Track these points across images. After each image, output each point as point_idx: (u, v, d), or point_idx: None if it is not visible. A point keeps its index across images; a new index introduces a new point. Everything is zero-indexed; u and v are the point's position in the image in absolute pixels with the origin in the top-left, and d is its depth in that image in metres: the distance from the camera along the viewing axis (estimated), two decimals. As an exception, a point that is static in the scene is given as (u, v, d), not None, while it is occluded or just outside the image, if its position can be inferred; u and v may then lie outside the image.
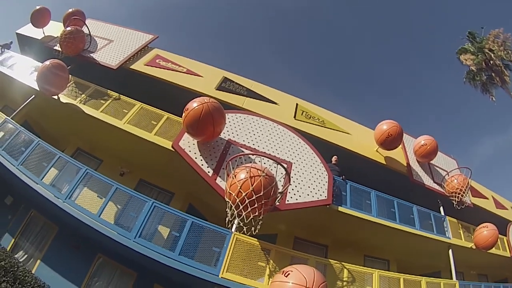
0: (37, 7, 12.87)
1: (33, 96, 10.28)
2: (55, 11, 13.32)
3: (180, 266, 6.87)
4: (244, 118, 9.62)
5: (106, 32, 12.97)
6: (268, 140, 9.34)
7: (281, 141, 9.47)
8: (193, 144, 8.32)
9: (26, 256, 8.51)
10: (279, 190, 7.16)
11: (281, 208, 7.82)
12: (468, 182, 11.79)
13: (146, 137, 9.19)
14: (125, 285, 8.31)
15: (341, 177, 10.06)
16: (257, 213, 6.56)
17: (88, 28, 12.03)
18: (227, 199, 6.83)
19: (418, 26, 52.40)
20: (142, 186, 10.28)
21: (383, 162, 12.03)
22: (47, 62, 9.65)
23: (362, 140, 12.22)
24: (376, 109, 55.68)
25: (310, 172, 9.05)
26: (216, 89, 11.62)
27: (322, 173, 9.18)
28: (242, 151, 8.47)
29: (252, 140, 9.10)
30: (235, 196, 6.55)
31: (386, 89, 58.36)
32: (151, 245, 7.16)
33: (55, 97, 9.97)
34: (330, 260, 8.28)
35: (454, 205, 11.61)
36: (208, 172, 7.88)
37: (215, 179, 7.78)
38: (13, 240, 8.68)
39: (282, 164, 7.24)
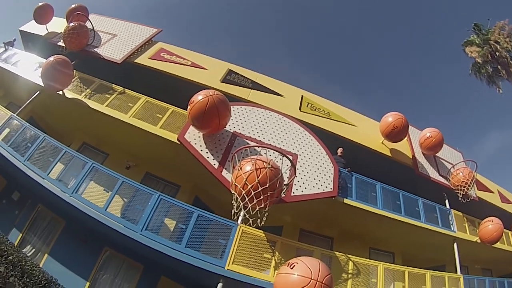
0: (40, 4, 12.90)
1: (38, 92, 10.33)
2: (58, 8, 13.35)
3: (187, 258, 6.91)
4: (249, 110, 9.61)
5: (109, 26, 12.96)
6: (274, 132, 9.33)
7: (286, 133, 9.46)
8: (199, 136, 8.33)
9: (33, 250, 8.60)
10: (285, 182, 7.17)
11: (287, 200, 7.83)
12: (474, 175, 11.70)
13: (152, 130, 9.22)
14: (132, 277, 8.38)
15: (346, 169, 10.05)
16: (262, 205, 6.56)
17: (91, 23, 12.03)
18: (232, 191, 6.85)
19: (425, 19, 51.93)
20: (148, 179, 10.32)
21: (389, 154, 11.98)
22: (51, 58, 9.70)
23: (367, 132, 12.17)
24: (381, 101, 55.31)
25: (316, 164, 9.04)
26: (221, 82, 11.60)
27: (328, 165, 9.17)
28: (248, 143, 8.47)
29: (257, 132, 9.09)
30: (241, 188, 6.57)
31: (391, 81, 57.95)
32: (157, 237, 7.20)
33: (60, 92, 10.02)
34: (336, 252, 8.30)
35: (460, 198, 11.52)
36: (214, 164, 7.89)
37: (221, 172, 7.79)
38: (21, 235, 8.77)
39: (288, 156, 7.25)
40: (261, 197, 6.48)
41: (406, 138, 12.04)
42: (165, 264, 7.89)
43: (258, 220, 6.70)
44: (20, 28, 13.81)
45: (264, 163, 6.67)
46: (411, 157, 12.18)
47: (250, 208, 6.62)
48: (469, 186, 11.48)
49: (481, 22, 23.50)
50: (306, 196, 8.24)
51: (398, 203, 10.34)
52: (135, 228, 7.27)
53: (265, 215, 6.75)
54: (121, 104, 9.86)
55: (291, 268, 5.89)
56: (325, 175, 8.90)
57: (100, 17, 13.44)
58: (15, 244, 8.31)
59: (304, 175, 8.63)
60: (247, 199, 6.52)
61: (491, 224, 11.26)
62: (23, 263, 6.89)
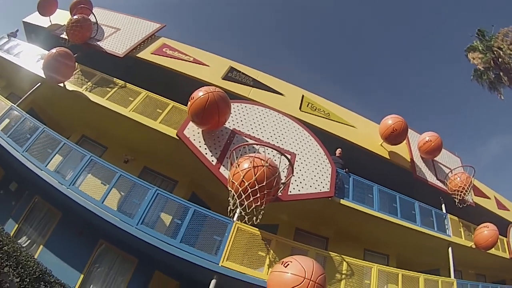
0: (44, -4, 12.88)
1: (39, 83, 10.34)
2: (62, 0, 13.37)
3: (181, 254, 6.92)
4: (249, 108, 9.63)
5: (113, 20, 12.97)
6: (273, 130, 9.35)
7: (285, 132, 9.47)
8: (198, 133, 8.35)
9: (29, 241, 8.61)
10: (282, 181, 7.19)
11: (283, 198, 7.85)
12: (471, 180, 11.72)
13: (151, 125, 9.22)
14: (126, 271, 8.37)
15: (344, 170, 10.06)
16: (259, 203, 6.59)
17: (95, 17, 12.03)
18: (229, 188, 6.85)
19: (428, 22, 51.91)
20: (146, 174, 10.33)
21: (387, 156, 11.99)
22: (54, 50, 9.69)
23: (366, 133, 12.19)
24: (382, 103, 55.35)
25: (314, 164, 9.05)
26: (223, 79, 11.60)
27: (326, 165, 9.18)
28: (246, 141, 8.50)
29: (256, 130, 9.11)
30: (238, 186, 6.57)
31: (393, 82, 57.98)
32: (153, 232, 7.20)
33: (61, 84, 10.02)
34: (330, 253, 8.31)
35: (456, 203, 11.55)
36: (212, 161, 7.92)
37: (219, 168, 7.81)
38: (17, 225, 8.78)
39: (286, 155, 7.26)
40: (258, 195, 6.48)
41: (405, 141, 12.07)
42: (159, 258, 7.89)
43: (254, 218, 6.71)
44: (24, 20, 13.81)
45: (262, 161, 6.67)
46: (409, 160, 12.20)
47: (247, 206, 6.60)
48: (466, 191, 11.49)
49: (485, 25, 23.45)
50: (303, 195, 8.26)
51: (394, 206, 10.36)
52: (131, 222, 7.26)
53: (261, 213, 6.77)
54: (121, 98, 9.86)
55: (285, 267, 5.90)
56: (322, 175, 8.91)
57: (104, 10, 13.46)
58: (11, 234, 8.31)
59: (302, 175, 8.64)
60: (243, 196, 6.52)
61: (486, 230, 11.29)
62: (18, 253, 6.89)
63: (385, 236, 10.79)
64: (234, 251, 7.26)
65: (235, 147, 7.41)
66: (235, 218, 7.46)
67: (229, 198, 6.75)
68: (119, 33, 12.31)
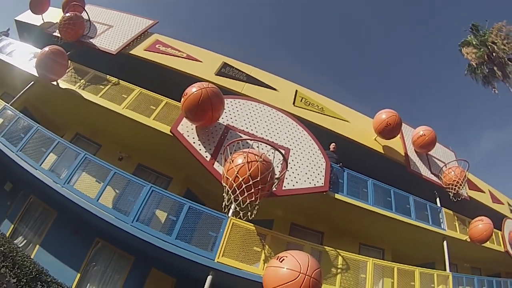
0: (36, -6, 12.77)
1: (32, 82, 10.26)
2: (54, -2, 13.26)
3: (177, 250, 6.93)
4: (243, 104, 9.60)
5: (105, 17, 12.86)
6: (267, 126, 9.32)
7: (279, 127, 9.45)
8: (192, 129, 8.33)
9: (25, 241, 8.61)
10: (276, 176, 7.21)
11: (278, 193, 7.85)
12: (465, 174, 11.80)
13: (145, 122, 9.19)
14: (123, 269, 8.40)
15: (338, 165, 10.07)
16: (253, 198, 6.60)
17: (87, 14, 11.91)
18: (224, 184, 6.85)
19: (423, 17, 52.14)
20: (140, 171, 10.33)
21: (381, 151, 12.02)
22: (46, 49, 9.63)
23: (360, 128, 12.20)
24: (375, 98, 55.73)
25: (308, 159, 9.05)
26: (216, 75, 11.55)
27: (320, 160, 9.18)
28: (240, 137, 8.48)
29: (250, 126, 9.08)
30: (232, 181, 6.57)
31: (386, 78, 58.32)
32: (148, 229, 7.20)
33: (54, 83, 9.96)
34: (326, 247, 8.33)
35: (451, 197, 11.62)
36: (206, 157, 7.90)
37: (213, 164, 7.80)
38: (13, 225, 8.76)
39: (280, 150, 7.28)
40: (252, 190, 6.49)
41: (399, 135, 12.07)
42: (155, 255, 7.89)
43: (249, 213, 6.73)
44: (16, 18, 13.69)
45: (256, 157, 6.68)
46: (403, 154, 12.23)
47: (241, 201, 6.61)
48: (460, 185, 11.57)
49: (479, 21, 23.56)
50: (297, 190, 8.26)
51: (389, 200, 10.41)
52: (126, 220, 7.26)
53: (256, 208, 6.77)
54: (115, 95, 9.81)
55: (281, 262, 5.91)
56: (316, 170, 8.92)
57: (96, 7, 13.32)
58: (7, 235, 8.33)
59: (296, 169, 8.64)
60: (238, 192, 6.53)
61: (481, 224, 11.40)
62: (15, 254, 6.92)
63: (380, 230, 10.85)
64: (230, 246, 7.27)
65: (229, 142, 7.39)
66: (230, 214, 7.48)
67: (224, 194, 6.75)
68: (112, 30, 12.21)
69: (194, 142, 8.06)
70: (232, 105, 9.34)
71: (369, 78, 58.82)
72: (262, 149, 7.55)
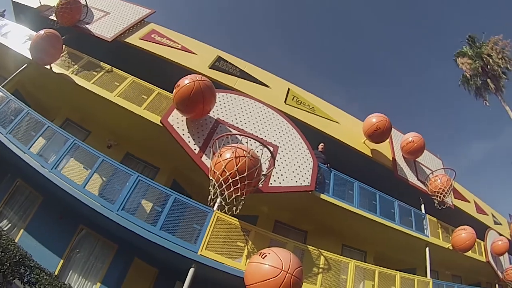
0: (35, -24, 12.63)
1: (26, 65, 10.14)
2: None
3: (160, 241, 6.95)
4: (235, 99, 9.59)
5: (103, 4, 12.72)
6: (257, 122, 9.32)
7: (269, 124, 9.46)
8: (182, 120, 8.31)
9: (9, 225, 8.52)
10: (263, 173, 7.22)
11: (264, 190, 7.88)
12: (452, 183, 11.96)
13: (136, 110, 9.16)
14: (106, 257, 8.39)
15: (326, 165, 10.12)
16: (239, 193, 6.60)
17: (85, -1, 11.84)
18: (211, 178, 6.85)
19: (420, 24, 52.55)
20: (128, 160, 10.31)
21: (369, 154, 12.10)
22: (41, 32, 9.55)
23: (350, 130, 12.27)
24: (367, 101, 56.12)
25: (296, 157, 9.08)
26: (210, 68, 11.51)
27: (307, 159, 9.22)
28: (230, 131, 8.48)
29: (240, 121, 9.08)
30: (219, 175, 6.57)
31: (380, 81, 58.77)
32: (133, 218, 7.21)
33: (47, 66, 9.88)
34: (308, 246, 8.40)
35: (436, 205, 11.78)
36: (195, 149, 7.89)
37: (201, 157, 7.80)
38: (-2, 209, 8.65)
39: (268, 147, 7.26)
40: (238, 185, 6.51)
41: (388, 140, 12.19)
42: (139, 245, 7.91)
43: (234, 208, 6.74)
44: (13, -1, 13.54)
45: (244, 152, 6.69)
46: (391, 159, 12.33)
47: (227, 196, 6.62)
48: (446, 193, 11.72)
49: (476, 31, 23.90)
50: (284, 188, 8.29)
51: (374, 203, 10.50)
52: (112, 208, 7.27)
53: (241, 203, 6.78)
54: (107, 82, 9.75)
55: (263, 258, 5.97)
56: (304, 169, 8.95)
57: (94, -7, 13.22)
58: (-8, 218, 8.29)
59: (283, 167, 8.67)
60: (224, 186, 6.53)
61: (464, 233, 11.58)
62: None
63: (364, 232, 10.96)
64: (213, 240, 7.32)
65: (218, 136, 7.38)
66: (215, 208, 7.53)
67: (210, 187, 6.75)
68: (109, 17, 12.11)
69: (183, 134, 8.04)
70: (223, 99, 9.33)
71: (362, 78, 59.33)
72: (251, 145, 7.56)
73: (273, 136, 9.24)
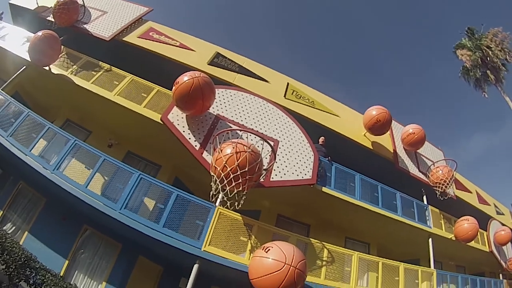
0: (31, -22, 12.61)
1: (24, 67, 10.16)
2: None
3: (164, 238, 6.97)
4: (234, 94, 9.57)
5: (100, 3, 12.70)
6: (257, 117, 9.32)
7: (269, 119, 9.45)
8: (182, 117, 8.31)
9: (14, 228, 8.56)
10: (264, 167, 7.22)
11: (265, 184, 7.89)
12: (453, 174, 11.94)
13: (136, 109, 9.17)
14: (110, 256, 8.42)
15: (327, 158, 10.11)
16: (241, 188, 6.64)
17: (82, -1, 11.82)
18: (212, 173, 6.86)
19: (420, 18, 52.39)
20: (129, 158, 10.34)
21: (370, 147, 12.09)
22: (39, 33, 9.56)
23: (350, 123, 12.25)
24: (367, 94, 56.06)
25: (297, 151, 9.07)
26: (208, 64, 11.50)
27: (308, 153, 9.21)
28: (230, 127, 8.48)
29: (240, 116, 9.08)
30: (220, 171, 6.58)
31: (380, 75, 58.69)
32: (136, 216, 7.23)
33: (46, 68, 9.90)
34: (311, 239, 8.42)
35: (437, 196, 11.77)
36: (195, 146, 7.90)
37: (202, 153, 7.81)
38: (1, 212, 8.69)
39: (269, 141, 7.28)
40: (240, 180, 6.52)
41: (388, 132, 12.17)
42: (143, 243, 7.93)
43: (236, 203, 6.78)
44: (10, 1, 13.51)
45: (245, 147, 6.69)
46: (392, 151, 12.32)
47: (228, 191, 6.66)
48: (447, 184, 11.71)
49: (475, 26, 23.78)
50: (285, 182, 8.29)
51: (376, 195, 10.51)
52: (114, 207, 7.28)
53: (243, 198, 6.83)
54: (106, 82, 9.77)
55: (266, 252, 5.99)
56: (305, 162, 8.95)
57: (91, -7, 13.20)
58: (-4, 222, 8.31)
59: (284, 161, 8.67)
60: (225, 181, 6.54)
61: (467, 223, 11.58)
62: (4, 240, 6.89)
63: (366, 225, 10.98)
64: (216, 236, 7.33)
65: (219, 132, 7.41)
66: (217, 203, 7.53)
67: (212, 183, 6.76)
68: (106, 16, 12.10)
69: (184, 131, 8.05)
70: (223, 95, 9.33)
71: (362, 74, 59.21)
72: (251, 140, 7.56)
73: (273, 131, 9.23)
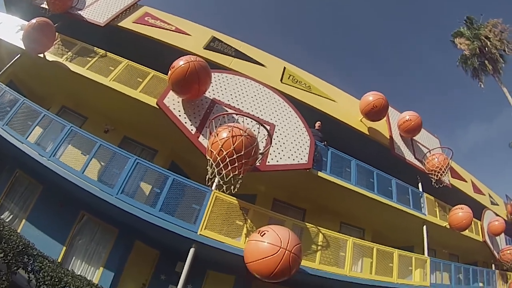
0: (24, -36, 12.43)
1: (19, 55, 10.08)
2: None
3: (160, 222, 7.02)
4: (230, 78, 9.50)
5: (94, -11, 12.55)
6: (253, 101, 9.26)
7: (265, 103, 9.40)
8: (178, 102, 8.27)
9: (11, 216, 8.61)
10: (260, 151, 7.21)
11: (261, 168, 7.89)
12: (449, 162, 12.01)
13: (131, 94, 9.13)
14: (107, 242, 8.47)
15: (323, 143, 10.10)
16: (237, 172, 6.62)
17: (76, -15, 11.65)
18: (208, 157, 6.84)
19: (419, 5, 52.19)
20: (126, 143, 10.34)
21: (366, 132, 12.06)
22: (33, 20, 9.43)
23: (347, 108, 12.19)
24: (364, 80, 56.02)
25: (293, 136, 9.04)
26: (204, 48, 11.39)
27: (304, 138, 9.18)
28: (226, 111, 8.45)
29: (236, 101, 9.02)
30: (216, 155, 6.56)
31: (377, 61, 58.62)
32: (132, 201, 7.28)
33: (41, 55, 9.81)
34: (307, 224, 8.48)
35: (433, 183, 11.84)
36: (191, 130, 7.88)
37: (198, 137, 7.79)
38: (-1, 201, 8.68)
39: (265, 125, 7.25)
40: (236, 164, 6.51)
41: (385, 118, 12.18)
42: (139, 228, 7.99)
43: (232, 187, 6.77)
44: (3, -10, 13.37)
45: (241, 131, 6.67)
46: (388, 137, 12.30)
47: (224, 175, 6.66)
48: (443, 172, 11.78)
49: (474, 15, 23.76)
50: (281, 166, 8.29)
51: (371, 181, 10.55)
52: (111, 192, 7.32)
53: (239, 182, 6.82)
54: (102, 67, 9.69)
55: (262, 236, 6.02)
56: (301, 147, 8.94)
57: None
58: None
59: (280, 146, 8.65)
60: (221, 165, 6.53)
61: (461, 212, 11.70)
62: (1, 228, 6.95)
63: (362, 210, 11.05)
64: (212, 220, 7.39)
65: (215, 116, 7.38)
66: (213, 187, 7.58)
67: (208, 167, 6.76)
68: (101, 2, 11.90)
69: (179, 115, 8.02)
70: (219, 79, 9.26)
71: (360, 61, 59.14)
72: (248, 124, 7.54)
73: (269, 115, 9.19)
